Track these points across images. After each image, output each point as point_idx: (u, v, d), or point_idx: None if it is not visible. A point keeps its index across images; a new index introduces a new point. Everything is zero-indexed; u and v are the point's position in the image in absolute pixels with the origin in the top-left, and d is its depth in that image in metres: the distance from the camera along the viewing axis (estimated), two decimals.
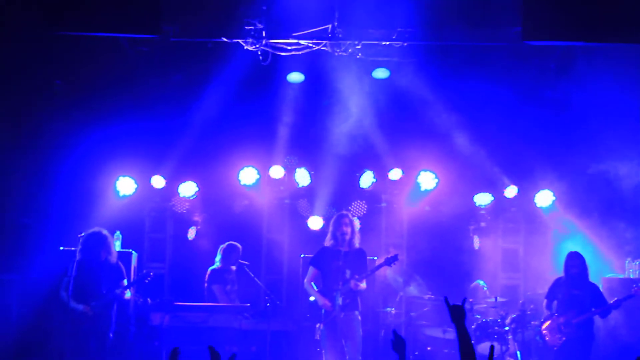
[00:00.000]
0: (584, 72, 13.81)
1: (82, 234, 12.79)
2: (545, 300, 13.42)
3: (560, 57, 13.95)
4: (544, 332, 13.17)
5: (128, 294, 13.01)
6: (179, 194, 15.18)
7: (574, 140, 14.55)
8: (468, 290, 14.53)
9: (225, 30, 13.79)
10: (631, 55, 13.60)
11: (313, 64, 14.33)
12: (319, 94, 14.83)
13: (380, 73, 14.70)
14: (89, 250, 12.75)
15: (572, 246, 13.90)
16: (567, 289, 13.16)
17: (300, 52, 13.72)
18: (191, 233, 15.26)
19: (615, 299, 13.02)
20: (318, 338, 12.74)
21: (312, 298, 12.92)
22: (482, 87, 14.27)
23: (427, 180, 15.11)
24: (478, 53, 13.98)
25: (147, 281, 13.08)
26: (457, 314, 6.50)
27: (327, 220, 14.03)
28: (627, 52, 13.44)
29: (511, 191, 15.08)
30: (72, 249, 12.86)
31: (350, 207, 15.23)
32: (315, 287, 12.90)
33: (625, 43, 12.18)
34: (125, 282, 12.86)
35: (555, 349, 13.01)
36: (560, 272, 13.59)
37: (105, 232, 12.94)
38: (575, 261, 13.16)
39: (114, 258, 12.93)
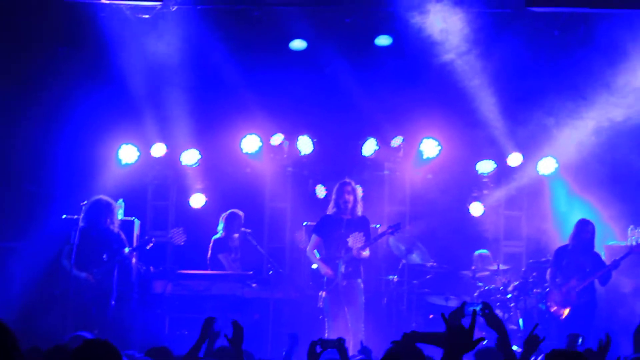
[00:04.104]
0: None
1: (85, 202, 12.82)
2: (550, 269, 13.44)
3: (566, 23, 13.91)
4: (549, 303, 13.21)
5: (133, 260, 13.06)
6: (181, 162, 15.11)
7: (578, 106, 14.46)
8: (472, 258, 14.52)
9: None
10: None
11: (317, 31, 14.30)
12: (322, 61, 14.76)
13: (383, 40, 14.68)
14: (92, 218, 12.79)
15: (576, 214, 13.95)
16: (571, 256, 13.20)
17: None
18: (197, 200, 15.16)
19: (613, 259, 13.09)
20: (321, 306, 12.79)
21: (314, 266, 12.95)
22: (485, 53, 14.21)
23: (430, 147, 15.05)
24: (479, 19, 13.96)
25: (148, 247, 13.15)
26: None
27: (329, 188, 13.99)
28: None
29: (515, 159, 15.00)
30: (75, 217, 12.88)
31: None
32: (317, 255, 12.92)
33: (631, 9, 12.11)
34: (127, 250, 12.88)
35: (561, 318, 13.05)
36: (563, 240, 13.64)
37: (108, 199, 12.97)
38: (588, 227, 13.20)
39: (116, 227, 12.96)
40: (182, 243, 13.74)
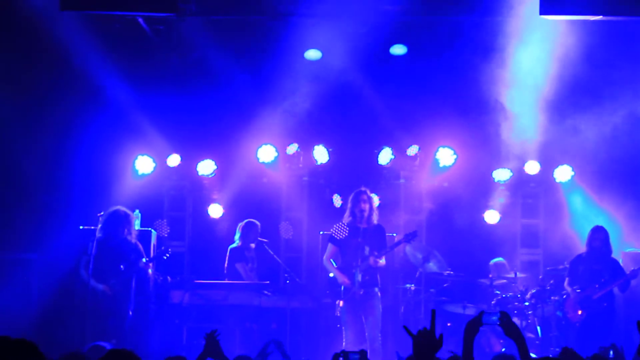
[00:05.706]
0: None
1: (102, 213, 12.86)
2: (567, 279, 13.40)
3: None
4: (567, 310, 13.17)
5: (149, 271, 13.09)
6: (197, 172, 15.13)
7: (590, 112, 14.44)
8: (488, 266, 14.49)
9: (242, 7, 13.79)
10: None
11: (332, 40, 14.33)
12: (337, 71, 14.77)
13: (398, 49, 14.71)
14: (109, 229, 12.82)
15: (593, 221, 13.90)
16: (588, 264, 13.17)
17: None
18: (214, 210, 15.17)
19: (632, 268, 13.05)
20: (338, 315, 12.77)
21: (331, 275, 12.94)
22: (500, 61, 14.20)
23: (446, 156, 15.03)
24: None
25: (165, 257, 13.18)
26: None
27: (345, 197, 13.98)
28: None
29: (532, 167, 14.95)
30: (92, 227, 12.91)
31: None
32: (334, 264, 12.91)
33: None
34: (144, 260, 12.91)
35: (577, 324, 13.02)
36: (580, 248, 13.59)
37: (126, 210, 13.01)
38: (599, 234, 13.18)
39: (133, 237, 13.00)
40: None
